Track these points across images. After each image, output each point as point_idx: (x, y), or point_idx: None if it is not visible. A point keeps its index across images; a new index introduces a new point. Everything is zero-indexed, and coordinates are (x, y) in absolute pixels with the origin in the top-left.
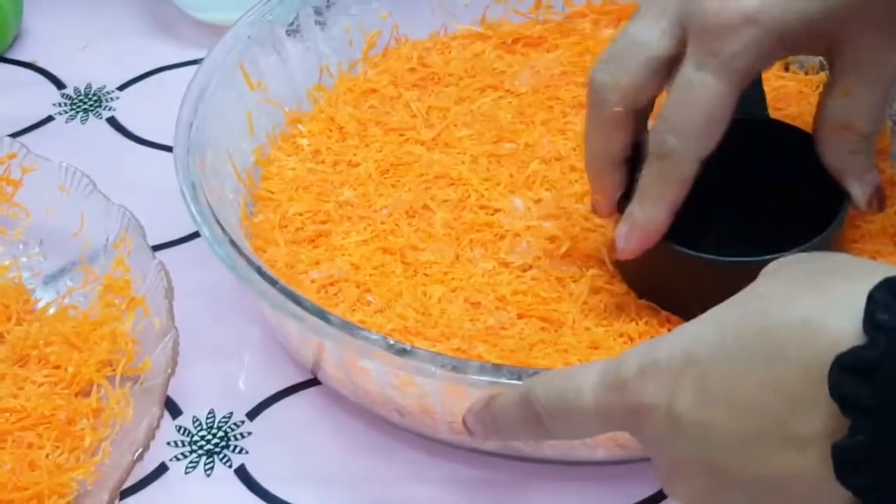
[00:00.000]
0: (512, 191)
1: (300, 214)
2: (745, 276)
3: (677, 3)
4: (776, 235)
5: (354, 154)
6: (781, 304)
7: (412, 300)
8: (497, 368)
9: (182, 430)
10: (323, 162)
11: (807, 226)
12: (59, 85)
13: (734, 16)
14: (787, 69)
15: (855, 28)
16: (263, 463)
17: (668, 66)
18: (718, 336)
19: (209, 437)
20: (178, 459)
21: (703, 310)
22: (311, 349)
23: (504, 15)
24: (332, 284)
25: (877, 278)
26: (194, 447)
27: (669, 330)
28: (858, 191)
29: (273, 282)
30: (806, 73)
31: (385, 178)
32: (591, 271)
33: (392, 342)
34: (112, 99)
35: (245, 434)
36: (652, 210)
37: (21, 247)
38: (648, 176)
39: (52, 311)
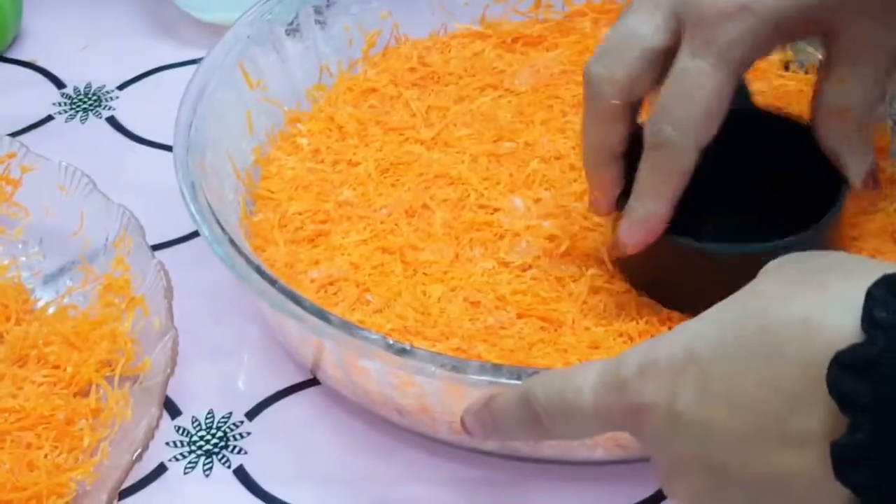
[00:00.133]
0: (511, 190)
1: (300, 214)
2: (748, 265)
3: None
4: (773, 227)
5: (354, 153)
6: (781, 303)
7: (412, 300)
8: (497, 368)
9: (181, 431)
10: (322, 161)
11: (804, 217)
12: (59, 84)
13: (729, 4)
14: (787, 68)
15: (848, 17)
16: (263, 463)
17: (664, 59)
18: (719, 334)
19: (208, 437)
20: (177, 460)
21: (706, 303)
22: (311, 349)
23: (504, 14)
24: (331, 284)
25: (875, 276)
26: (193, 447)
27: (670, 329)
28: (855, 170)
29: (272, 281)
30: (806, 73)
31: (384, 178)
32: (591, 271)
33: (392, 342)
34: (112, 98)
35: (244, 434)
36: (652, 203)
37: (20, 246)
38: (647, 168)
39: (51, 310)
